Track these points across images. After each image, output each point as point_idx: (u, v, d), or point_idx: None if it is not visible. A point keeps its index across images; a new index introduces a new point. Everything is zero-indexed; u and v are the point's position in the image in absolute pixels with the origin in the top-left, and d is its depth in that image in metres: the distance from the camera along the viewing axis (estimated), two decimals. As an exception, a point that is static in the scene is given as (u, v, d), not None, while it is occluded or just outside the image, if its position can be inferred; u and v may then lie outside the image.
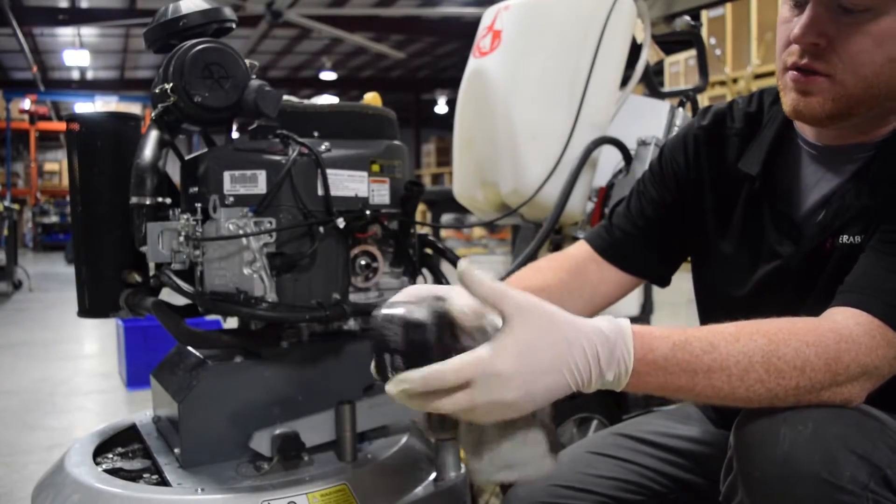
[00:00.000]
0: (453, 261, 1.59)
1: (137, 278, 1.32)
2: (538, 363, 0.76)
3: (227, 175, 1.24)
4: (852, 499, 0.82)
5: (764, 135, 1.09)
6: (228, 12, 1.33)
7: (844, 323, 0.87)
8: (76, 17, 12.28)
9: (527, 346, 0.76)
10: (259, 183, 1.24)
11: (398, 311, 0.77)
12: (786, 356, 0.84)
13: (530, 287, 1.09)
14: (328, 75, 17.39)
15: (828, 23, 0.91)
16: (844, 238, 1.00)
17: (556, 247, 1.96)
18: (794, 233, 1.05)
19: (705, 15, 6.86)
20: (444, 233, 10.88)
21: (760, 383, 0.84)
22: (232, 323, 1.40)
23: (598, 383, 0.80)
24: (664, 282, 1.27)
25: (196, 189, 1.29)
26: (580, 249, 1.24)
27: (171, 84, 1.20)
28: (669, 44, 2.59)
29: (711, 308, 1.23)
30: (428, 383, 0.75)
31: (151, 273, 1.31)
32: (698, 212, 1.18)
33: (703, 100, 6.40)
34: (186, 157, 1.37)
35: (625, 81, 1.92)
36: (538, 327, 0.77)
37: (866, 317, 0.88)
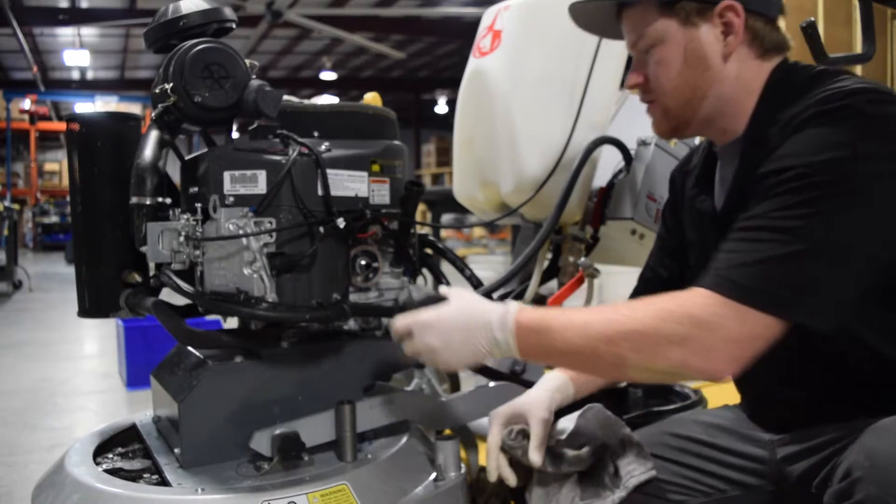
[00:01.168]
0: (453, 261, 1.60)
1: (137, 278, 1.32)
2: (453, 321, 1.11)
3: (227, 175, 1.24)
4: None
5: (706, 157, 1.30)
6: (228, 12, 1.33)
7: (683, 293, 1.03)
8: (76, 17, 12.27)
9: (447, 311, 1.12)
10: (259, 183, 1.24)
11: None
12: (622, 307, 1.05)
13: None
14: (328, 75, 17.38)
15: (643, 65, 1.21)
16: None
17: (557, 247, 1.96)
18: (716, 225, 1.20)
19: (705, 15, 6.87)
20: (444, 233, 10.88)
21: (601, 324, 1.03)
22: (232, 323, 1.40)
23: (495, 344, 1.08)
24: None
25: (196, 189, 1.29)
26: None
27: (172, 84, 1.19)
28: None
29: None
30: (392, 329, 1.17)
31: (151, 273, 1.31)
32: (682, 245, 1.34)
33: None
34: (186, 157, 1.37)
35: (625, 81, 1.92)
36: (460, 304, 1.13)
37: (702, 289, 1.01)
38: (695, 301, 0.99)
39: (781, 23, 1.18)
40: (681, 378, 1.05)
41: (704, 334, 0.97)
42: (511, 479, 1.22)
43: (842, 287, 0.98)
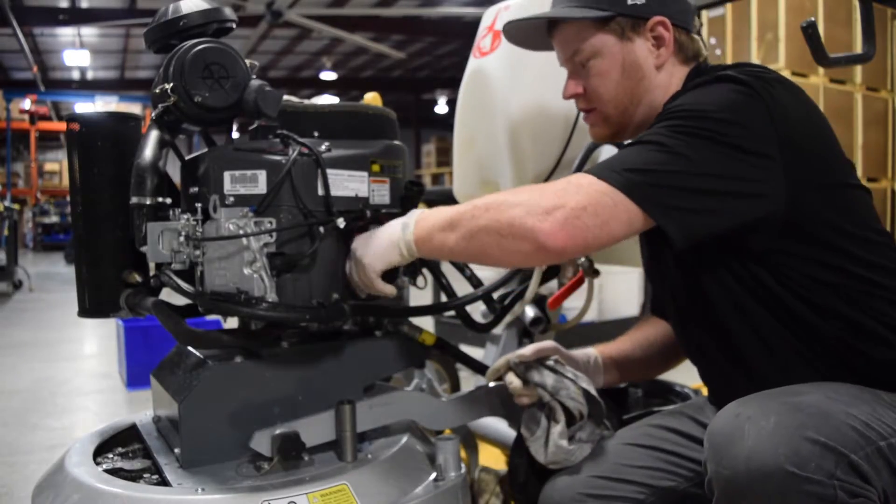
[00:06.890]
0: (453, 260, 1.59)
1: (138, 278, 1.32)
2: (376, 233, 1.25)
3: (227, 175, 1.24)
4: (820, 489, 0.89)
5: None
6: (228, 12, 1.33)
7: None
8: (76, 17, 12.28)
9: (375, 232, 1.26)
10: (259, 183, 1.24)
11: None
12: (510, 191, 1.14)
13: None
14: (328, 75, 17.38)
15: (579, 76, 1.34)
16: None
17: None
18: None
19: (705, 15, 6.87)
20: (444, 233, 10.86)
21: (478, 209, 1.11)
22: (232, 323, 1.40)
23: (401, 230, 1.20)
24: None
25: (196, 189, 1.29)
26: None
27: (172, 84, 1.19)
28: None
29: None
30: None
31: (152, 273, 1.31)
32: None
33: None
34: (186, 157, 1.37)
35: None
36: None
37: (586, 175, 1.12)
38: (569, 178, 1.11)
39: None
40: (526, 257, 1.09)
41: (551, 197, 1.06)
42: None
43: (700, 206, 1.07)
